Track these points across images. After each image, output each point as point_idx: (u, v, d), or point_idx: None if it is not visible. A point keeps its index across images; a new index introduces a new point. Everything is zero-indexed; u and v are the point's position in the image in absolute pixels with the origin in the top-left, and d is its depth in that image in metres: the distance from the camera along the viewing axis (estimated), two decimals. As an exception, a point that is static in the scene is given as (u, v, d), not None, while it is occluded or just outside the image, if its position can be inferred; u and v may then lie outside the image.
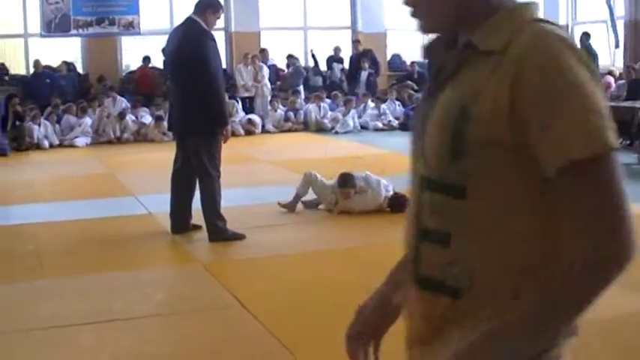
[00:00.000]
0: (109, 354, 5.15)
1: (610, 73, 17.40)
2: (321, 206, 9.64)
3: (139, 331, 5.58)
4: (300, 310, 5.92)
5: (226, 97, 8.62)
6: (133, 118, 18.80)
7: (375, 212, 9.29)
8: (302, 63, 22.37)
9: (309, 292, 6.42)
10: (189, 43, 7.90)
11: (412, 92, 21.38)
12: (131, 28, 20.93)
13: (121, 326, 5.66)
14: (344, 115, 19.78)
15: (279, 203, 9.48)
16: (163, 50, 19.85)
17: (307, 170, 9.79)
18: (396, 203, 9.30)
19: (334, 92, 21.05)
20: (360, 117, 20.20)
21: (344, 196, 9.38)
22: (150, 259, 7.59)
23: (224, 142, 8.14)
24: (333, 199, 9.42)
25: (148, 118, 18.82)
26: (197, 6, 8.12)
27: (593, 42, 18.75)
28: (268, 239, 8.26)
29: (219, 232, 8.01)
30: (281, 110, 20.34)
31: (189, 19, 8.14)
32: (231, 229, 8.10)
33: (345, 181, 9.45)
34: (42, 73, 19.90)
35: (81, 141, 17.90)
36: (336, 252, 7.78)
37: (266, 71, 20.80)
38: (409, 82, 22.27)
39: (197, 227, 8.30)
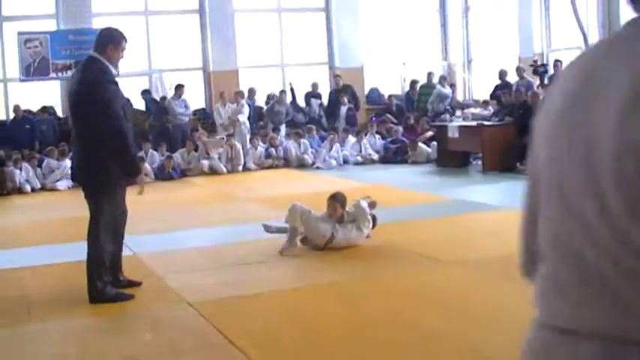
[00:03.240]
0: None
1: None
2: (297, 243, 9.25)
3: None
4: (289, 345, 5.96)
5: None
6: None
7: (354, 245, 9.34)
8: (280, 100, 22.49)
9: (297, 326, 6.45)
10: (86, 84, 7.29)
11: (391, 125, 21.54)
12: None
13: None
14: (328, 150, 19.89)
15: (281, 252, 9.06)
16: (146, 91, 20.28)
17: (291, 204, 9.55)
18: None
19: (309, 126, 21.16)
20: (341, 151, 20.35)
21: (331, 209, 9.25)
22: (135, 301, 7.57)
23: (139, 194, 7.64)
24: (329, 231, 9.22)
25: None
26: (96, 42, 7.47)
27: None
28: (254, 276, 8.28)
29: (98, 292, 7.40)
30: (261, 147, 20.42)
31: (89, 58, 7.52)
32: (115, 290, 7.51)
33: (336, 195, 9.40)
34: (22, 118, 19.96)
35: (62, 184, 17.89)
36: (320, 286, 7.81)
37: (246, 109, 20.88)
38: (388, 116, 22.42)
39: (134, 284, 7.90)
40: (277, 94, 22.26)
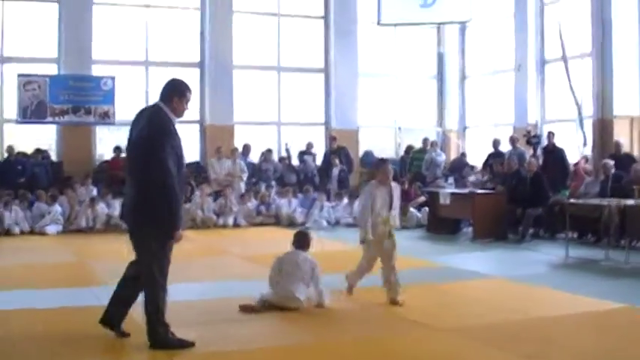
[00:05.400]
0: None
1: (586, 172, 17.76)
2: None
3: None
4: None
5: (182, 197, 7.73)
6: (104, 207, 18.79)
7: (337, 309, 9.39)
8: (275, 157, 22.60)
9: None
10: (148, 137, 7.35)
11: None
12: (106, 117, 21.17)
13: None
14: (320, 210, 19.94)
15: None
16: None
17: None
18: None
19: (306, 187, 21.21)
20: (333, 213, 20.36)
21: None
22: (118, 350, 7.53)
23: (174, 244, 7.49)
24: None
25: (117, 209, 18.67)
26: (162, 93, 7.60)
27: (563, 139, 19.28)
28: (238, 333, 8.23)
29: (161, 340, 7.44)
30: (252, 204, 20.44)
31: (154, 106, 7.63)
32: (178, 337, 7.55)
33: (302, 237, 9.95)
34: (14, 159, 20.01)
35: (52, 229, 17.89)
36: (306, 346, 7.77)
37: (244, 167, 21.08)
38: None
39: (125, 334, 7.77)
40: (273, 150, 22.47)
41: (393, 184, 9.94)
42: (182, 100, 7.55)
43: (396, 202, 9.91)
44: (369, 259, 9.94)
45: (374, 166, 10.42)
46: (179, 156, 7.47)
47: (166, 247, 7.46)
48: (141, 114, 7.74)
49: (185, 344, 7.50)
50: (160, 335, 7.44)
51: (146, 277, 7.46)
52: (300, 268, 9.37)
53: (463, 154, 23.87)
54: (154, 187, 7.21)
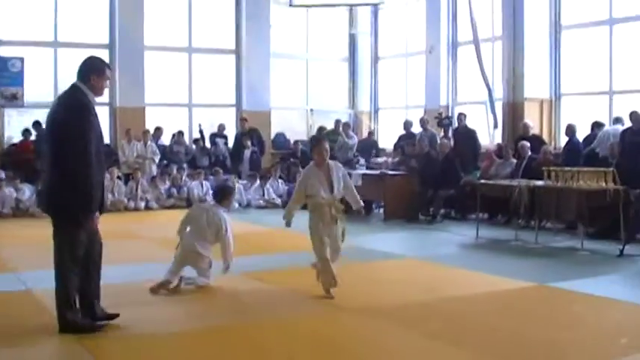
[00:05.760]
0: None
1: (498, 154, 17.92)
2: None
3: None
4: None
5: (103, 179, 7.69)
6: (12, 191, 18.45)
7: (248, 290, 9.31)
8: (187, 140, 22.43)
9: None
10: (64, 115, 7.18)
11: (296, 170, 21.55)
12: (14, 99, 20.72)
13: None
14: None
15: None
16: (36, 123, 19.75)
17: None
18: None
19: (215, 169, 21.06)
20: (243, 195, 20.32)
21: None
22: (26, 337, 7.36)
23: (92, 228, 7.42)
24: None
25: (26, 193, 18.42)
26: (79, 71, 7.37)
27: (474, 121, 19.46)
28: (147, 316, 8.17)
29: (68, 323, 7.29)
30: (164, 186, 20.27)
31: (72, 87, 7.36)
32: (86, 320, 7.43)
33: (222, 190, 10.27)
34: None
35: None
36: (215, 329, 7.72)
37: (155, 149, 20.90)
38: (292, 160, 22.41)
39: (113, 316, 7.69)
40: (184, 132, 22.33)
41: (332, 163, 9.31)
42: (101, 77, 7.39)
43: (338, 182, 9.24)
44: (319, 241, 9.46)
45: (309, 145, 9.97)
46: (97, 136, 7.31)
47: (81, 232, 7.30)
48: (59, 97, 7.59)
49: (96, 327, 7.40)
50: (68, 320, 7.31)
51: (58, 262, 7.31)
52: (208, 223, 9.45)
53: (370, 134, 23.97)
54: (70, 169, 7.06)
